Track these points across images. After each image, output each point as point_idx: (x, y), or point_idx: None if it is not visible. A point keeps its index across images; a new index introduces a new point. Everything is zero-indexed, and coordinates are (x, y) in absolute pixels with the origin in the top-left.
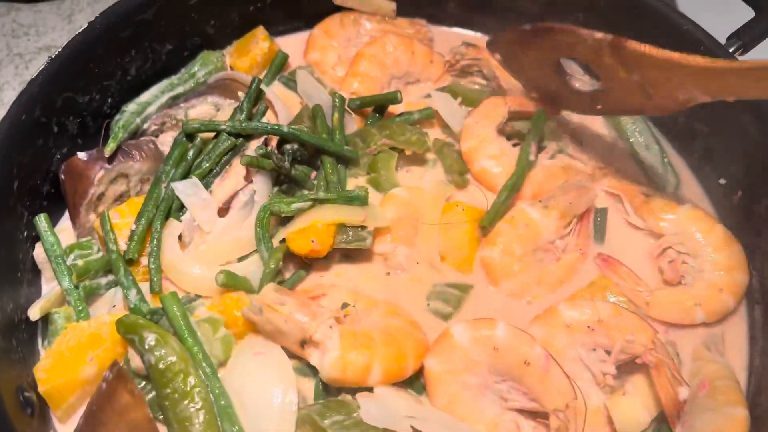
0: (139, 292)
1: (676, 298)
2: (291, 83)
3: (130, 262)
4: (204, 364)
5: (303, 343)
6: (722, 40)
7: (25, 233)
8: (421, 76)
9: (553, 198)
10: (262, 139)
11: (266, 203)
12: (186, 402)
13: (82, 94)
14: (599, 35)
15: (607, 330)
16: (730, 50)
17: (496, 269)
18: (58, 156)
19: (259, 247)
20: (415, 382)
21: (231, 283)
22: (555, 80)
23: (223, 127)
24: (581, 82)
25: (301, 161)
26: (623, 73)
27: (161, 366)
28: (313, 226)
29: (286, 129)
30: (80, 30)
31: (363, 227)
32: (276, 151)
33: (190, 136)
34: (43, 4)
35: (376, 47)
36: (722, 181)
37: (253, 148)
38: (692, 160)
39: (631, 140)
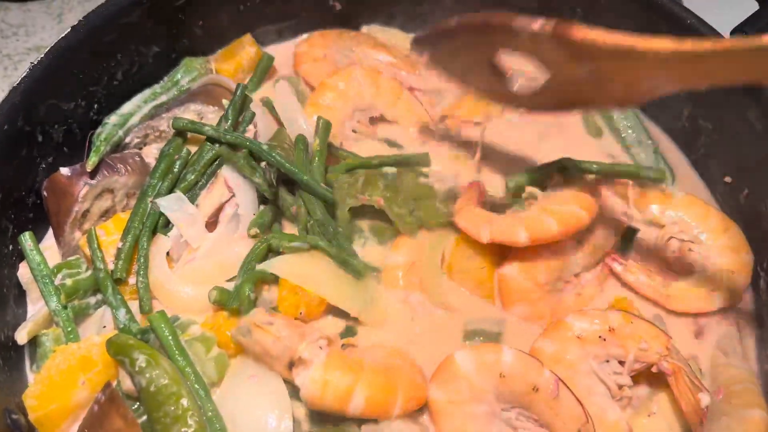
0: (129, 311)
1: (694, 287)
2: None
3: (119, 281)
4: (196, 386)
5: (291, 365)
6: (726, 34)
7: (11, 248)
8: (389, 115)
9: (589, 232)
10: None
11: (268, 237)
12: (178, 426)
13: (66, 101)
14: (537, 25)
15: (620, 339)
16: None
17: (512, 292)
18: (44, 166)
19: (239, 273)
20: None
21: (224, 299)
22: (493, 79)
23: (206, 128)
24: (522, 80)
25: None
26: (572, 66)
27: (152, 389)
28: (305, 291)
29: (265, 149)
30: (64, 34)
31: (355, 319)
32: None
33: (177, 146)
34: (32, 3)
35: (338, 78)
36: (727, 179)
37: (229, 167)
38: (696, 158)
39: (623, 135)
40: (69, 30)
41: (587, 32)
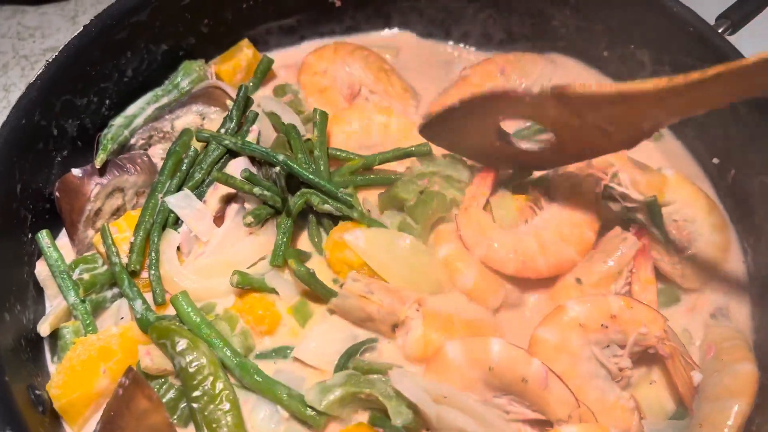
0: (145, 302)
1: (699, 265)
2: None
3: (133, 274)
4: (228, 353)
5: (394, 327)
6: (711, 21)
7: (30, 236)
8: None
9: (588, 273)
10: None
11: (303, 190)
12: (215, 404)
13: (80, 96)
14: (536, 91)
15: (621, 325)
16: (719, 30)
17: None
18: (59, 159)
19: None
20: None
21: (246, 282)
22: (500, 146)
23: (225, 141)
24: (528, 141)
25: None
26: (575, 120)
27: (191, 369)
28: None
29: (281, 158)
30: (77, 33)
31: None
32: (277, 175)
33: (184, 144)
34: (47, 6)
35: (350, 113)
36: (715, 160)
37: (236, 163)
38: (687, 141)
39: None
40: (82, 29)
41: (583, 87)
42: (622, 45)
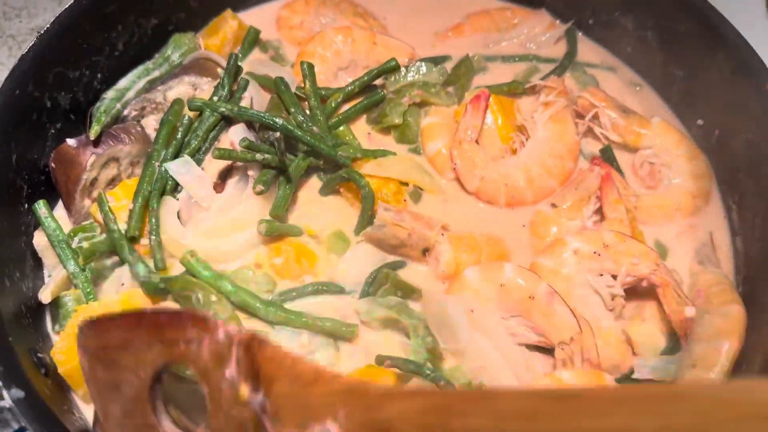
0: (146, 266)
1: (659, 204)
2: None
3: (132, 240)
4: (247, 295)
5: (424, 251)
6: None
7: (26, 206)
8: (372, 61)
9: (561, 199)
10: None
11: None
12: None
13: (72, 69)
14: (227, 331)
15: (614, 255)
16: None
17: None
18: (53, 131)
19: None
20: None
21: (274, 230)
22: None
23: (221, 109)
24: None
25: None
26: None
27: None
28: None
29: (281, 122)
30: (68, 5)
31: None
32: (276, 141)
33: (176, 113)
34: None
35: (315, 44)
36: (700, 122)
37: (235, 130)
38: (672, 104)
39: None
40: (73, 1)
41: (276, 349)
42: (607, 12)
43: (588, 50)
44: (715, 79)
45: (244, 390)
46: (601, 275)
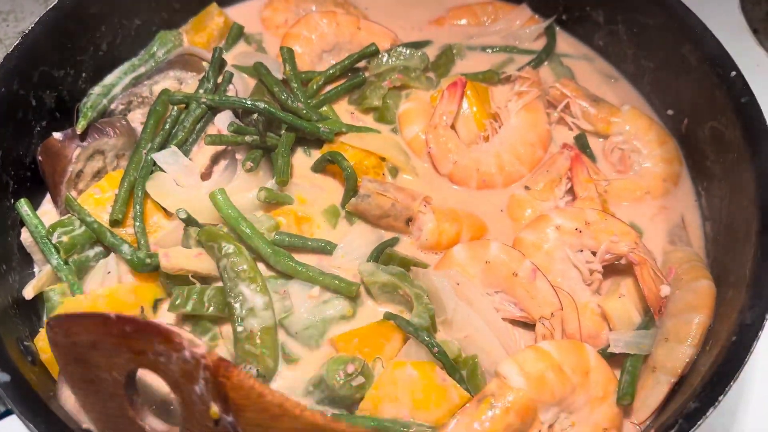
0: (131, 246)
1: (629, 187)
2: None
3: (115, 224)
4: (261, 241)
5: (408, 221)
6: None
7: (12, 201)
8: (356, 45)
9: (534, 182)
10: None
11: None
12: (247, 282)
13: (57, 68)
14: (199, 351)
15: (594, 232)
16: None
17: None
18: (38, 129)
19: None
20: None
21: (273, 197)
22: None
23: (203, 100)
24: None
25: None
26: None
27: (236, 269)
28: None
29: (262, 106)
30: (53, 5)
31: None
32: (255, 122)
33: (163, 102)
34: None
35: (300, 27)
36: (670, 111)
37: (220, 118)
38: (645, 94)
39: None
40: (57, 1)
41: (247, 377)
42: (579, 7)
43: (565, 43)
44: (683, 70)
45: (215, 408)
46: (581, 251)
